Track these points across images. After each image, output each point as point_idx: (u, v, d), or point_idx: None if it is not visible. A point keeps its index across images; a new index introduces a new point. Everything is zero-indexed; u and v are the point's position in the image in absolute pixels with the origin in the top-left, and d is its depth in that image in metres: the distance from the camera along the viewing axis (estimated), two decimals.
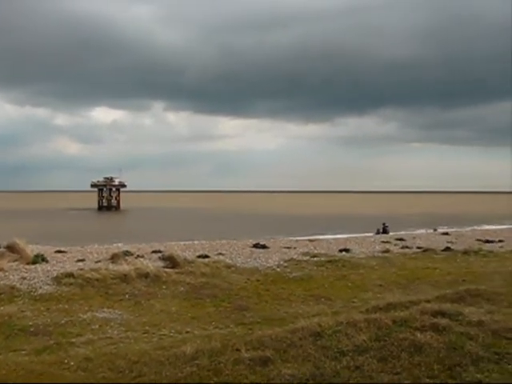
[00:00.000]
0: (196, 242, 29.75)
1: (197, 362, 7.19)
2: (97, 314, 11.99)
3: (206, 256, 21.58)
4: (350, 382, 6.39)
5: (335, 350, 7.29)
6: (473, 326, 7.87)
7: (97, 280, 14.67)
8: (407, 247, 28.15)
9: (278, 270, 19.41)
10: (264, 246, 26.56)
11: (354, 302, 13.92)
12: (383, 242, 31.19)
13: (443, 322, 7.93)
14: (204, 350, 7.52)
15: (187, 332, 10.56)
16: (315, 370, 6.69)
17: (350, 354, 7.09)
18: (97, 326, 10.99)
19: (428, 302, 10.38)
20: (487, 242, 31.78)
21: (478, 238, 34.57)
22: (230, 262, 20.53)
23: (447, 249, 26.63)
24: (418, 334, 7.40)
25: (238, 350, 7.42)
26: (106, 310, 12.50)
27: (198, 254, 22.46)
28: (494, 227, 49.88)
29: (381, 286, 16.67)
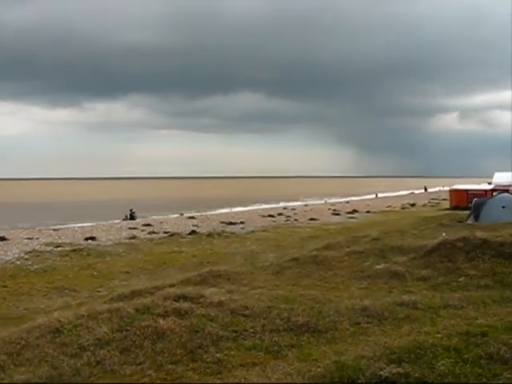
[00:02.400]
0: None
1: None
2: None
3: None
4: (91, 378, 6.02)
5: (75, 346, 6.83)
6: (213, 306, 8.01)
7: None
8: (154, 232, 28.38)
9: (18, 263, 18.14)
10: (3, 238, 24.58)
11: (99, 292, 13.50)
12: (130, 228, 31.05)
13: (185, 305, 7.94)
14: None
15: None
16: (52, 370, 6.16)
17: (91, 349, 6.70)
18: None
19: (172, 286, 10.43)
20: (230, 223, 33.46)
21: (223, 220, 36.21)
22: None
23: (193, 232, 27.45)
24: (161, 321, 7.28)
25: None
26: None
27: None
28: (236, 209, 52.81)
29: (127, 273, 16.47)
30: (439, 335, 6.42)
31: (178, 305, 7.96)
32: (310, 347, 6.57)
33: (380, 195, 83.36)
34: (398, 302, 8.23)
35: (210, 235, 26.08)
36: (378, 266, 11.87)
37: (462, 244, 12.03)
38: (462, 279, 10.43)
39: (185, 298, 8.40)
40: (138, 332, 7.06)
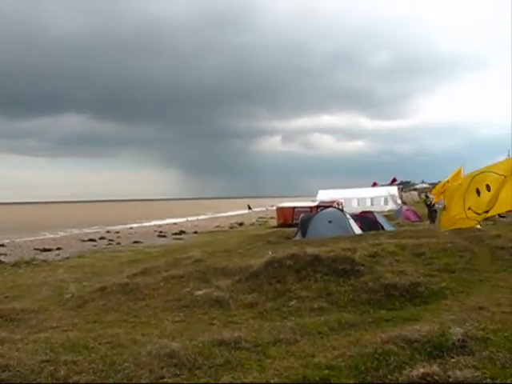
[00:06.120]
0: None
1: None
2: None
3: None
4: None
5: None
6: None
7: None
8: None
9: None
10: None
11: None
12: None
13: None
14: None
15: None
16: None
17: None
18: None
19: None
20: (45, 250, 30.33)
21: (37, 247, 32.74)
22: None
23: None
24: None
25: None
26: None
27: None
28: (54, 235, 48.59)
29: None
30: None
31: None
32: None
33: (207, 216, 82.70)
34: (218, 340, 6.40)
35: (16, 264, 22.83)
36: (199, 292, 10.15)
37: (291, 262, 10.70)
38: (293, 303, 9.03)
39: None
40: None
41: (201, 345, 6.21)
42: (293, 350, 6.12)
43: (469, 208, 10.73)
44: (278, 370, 5.34)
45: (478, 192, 10.45)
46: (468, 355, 5.00)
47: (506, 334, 5.62)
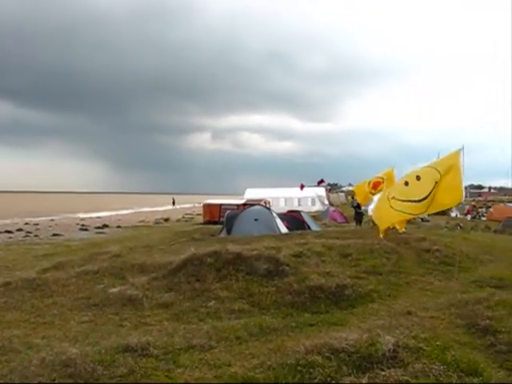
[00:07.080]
0: None
1: None
2: None
3: None
4: None
5: None
6: None
7: None
8: None
9: None
10: None
11: None
12: None
13: None
14: None
15: None
16: None
17: None
18: None
19: None
20: None
21: None
22: None
23: None
24: None
25: None
26: None
27: None
28: None
29: None
30: None
31: None
32: None
33: (133, 210, 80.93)
34: (123, 345, 5.67)
35: None
36: (112, 290, 9.38)
37: (212, 260, 10.07)
38: (212, 303, 8.42)
39: None
40: None
41: (103, 351, 5.44)
42: (207, 358, 5.49)
43: (392, 197, 10.57)
44: (188, 382, 4.71)
45: (407, 183, 10.37)
46: (400, 367, 4.54)
47: (438, 343, 5.21)
